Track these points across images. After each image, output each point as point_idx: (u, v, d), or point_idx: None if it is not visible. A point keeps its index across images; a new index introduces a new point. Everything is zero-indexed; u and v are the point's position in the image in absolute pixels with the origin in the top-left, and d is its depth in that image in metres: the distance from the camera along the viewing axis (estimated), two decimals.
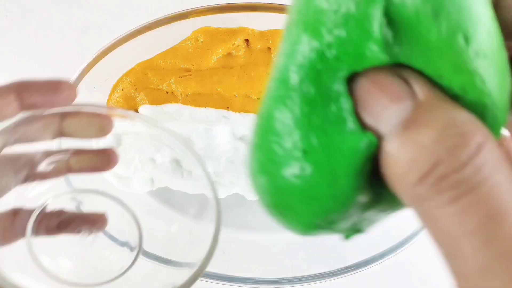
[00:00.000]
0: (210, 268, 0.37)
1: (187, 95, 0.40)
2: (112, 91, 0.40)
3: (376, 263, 0.36)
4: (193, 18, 0.38)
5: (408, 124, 0.10)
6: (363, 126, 0.11)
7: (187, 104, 0.40)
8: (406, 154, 0.10)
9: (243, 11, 0.38)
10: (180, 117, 0.39)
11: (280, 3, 0.37)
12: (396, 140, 0.10)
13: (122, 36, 0.37)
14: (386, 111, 0.10)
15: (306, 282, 0.36)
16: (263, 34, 0.40)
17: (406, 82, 0.10)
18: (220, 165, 0.39)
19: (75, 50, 0.44)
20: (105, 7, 0.45)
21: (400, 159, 0.10)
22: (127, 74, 0.40)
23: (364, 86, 0.11)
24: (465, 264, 0.10)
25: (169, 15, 0.37)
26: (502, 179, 0.10)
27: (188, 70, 0.40)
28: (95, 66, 0.37)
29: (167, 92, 0.40)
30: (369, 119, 0.11)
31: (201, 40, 0.40)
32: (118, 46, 0.37)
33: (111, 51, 0.37)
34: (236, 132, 0.39)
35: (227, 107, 0.39)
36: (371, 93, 0.10)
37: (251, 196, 0.39)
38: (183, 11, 0.37)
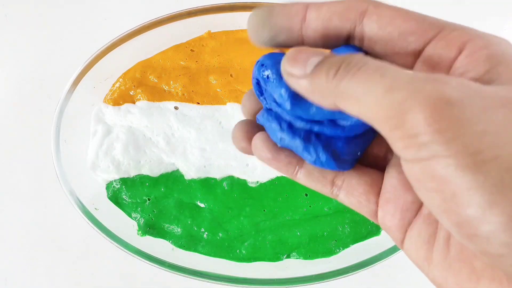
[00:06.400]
0: (210, 269, 0.37)
1: (184, 94, 0.40)
2: (111, 90, 0.40)
3: (376, 263, 0.36)
4: (193, 18, 0.38)
5: (320, 61, 0.16)
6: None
7: (184, 102, 0.40)
8: (322, 66, 0.16)
9: (243, 10, 0.37)
10: (177, 114, 0.39)
11: (280, 3, 0.37)
12: (315, 67, 0.16)
13: (122, 35, 0.37)
14: (309, 59, 0.16)
15: (306, 282, 0.36)
16: None
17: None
18: (215, 154, 0.39)
19: (75, 50, 0.44)
20: (105, 7, 0.45)
21: (321, 70, 0.16)
22: (126, 73, 0.40)
23: (295, 49, 0.17)
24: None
25: (169, 15, 0.37)
26: (375, 60, 0.15)
27: (187, 68, 0.40)
28: (95, 66, 0.37)
29: (165, 90, 0.40)
30: (296, 68, 0.17)
31: (203, 43, 0.40)
32: (118, 46, 0.37)
33: (111, 50, 0.37)
34: (229, 126, 0.39)
35: (225, 103, 0.40)
36: (299, 52, 0.17)
37: (243, 176, 0.39)
38: (183, 11, 0.37)
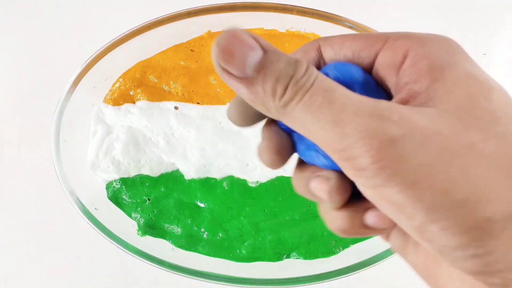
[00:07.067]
0: (210, 269, 0.37)
1: (184, 94, 0.40)
2: (111, 90, 0.40)
3: (376, 263, 0.36)
4: (193, 18, 0.38)
5: (263, 63, 0.15)
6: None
7: (184, 102, 0.40)
8: (267, 78, 0.15)
9: (243, 10, 0.37)
10: (177, 114, 0.39)
11: (280, 3, 0.37)
12: (260, 72, 0.15)
13: (122, 35, 0.37)
14: (248, 56, 0.15)
15: (306, 282, 0.36)
16: (262, 34, 0.40)
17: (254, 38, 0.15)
18: (215, 154, 0.39)
19: (75, 50, 0.44)
20: (105, 7, 0.45)
21: (265, 81, 0.15)
22: (126, 73, 0.40)
23: (226, 38, 0.15)
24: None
25: (169, 15, 0.37)
26: (323, 76, 0.15)
27: (187, 68, 0.40)
28: (95, 66, 0.37)
29: (165, 90, 0.40)
30: (233, 67, 0.15)
31: (203, 43, 0.40)
32: (118, 46, 0.37)
33: (111, 50, 0.37)
34: (229, 126, 0.39)
35: (225, 103, 0.40)
36: (235, 43, 0.15)
37: (243, 176, 0.39)
38: (183, 11, 0.37)
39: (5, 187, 0.44)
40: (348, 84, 0.17)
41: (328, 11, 0.37)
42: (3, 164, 0.44)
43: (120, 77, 0.40)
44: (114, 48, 0.37)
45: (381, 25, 0.39)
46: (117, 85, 0.40)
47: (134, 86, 0.40)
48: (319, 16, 0.37)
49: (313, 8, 0.37)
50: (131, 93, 0.40)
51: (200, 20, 0.38)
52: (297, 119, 0.15)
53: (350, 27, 0.37)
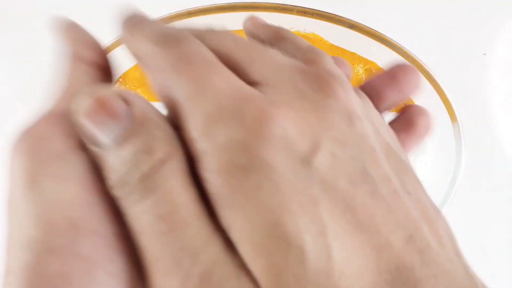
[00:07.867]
0: None
1: None
2: None
3: None
4: (193, 18, 0.38)
5: (119, 140, 0.12)
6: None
7: None
8: (109, 161, 0.12)
9: (243, 10, 0.37)
10: None
11: (280, 3, 0.37)
12: (111, 151, 0.12)
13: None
14: (105, 125, 0.12)
15: None
16: None
17: (127, 103, 0.12)
18: None
19: None
20: (104, 7, 0.45)
21: (106, 164, 0.12)
22: (126, 73, 0.40)
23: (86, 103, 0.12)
24: (145, 256, 0.11)
25: (169, 15, 0.37)
26: (175, 185, 0.11)
27: None
28: None
29: None
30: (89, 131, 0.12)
31: None
32: (118, 46, 0.37)
33: (111, 51, 0.37)
34: None
35: None
36: (94, 109, 0.12)
37: None
38: (183, 11, 0.37)
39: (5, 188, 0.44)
40: None
41: (328, 11, 0.37)
42: (3, 165, 0.44)
43: (120, 77, 0.40)
44: (114, 48, 0.37)
45: (381, 25, 0.39)
46: (117, 85, 0.40)
47: (134, 86, 0.40)
48: (319, 16, 0.37)
49: (313, 8, 0.37)
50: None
51: (200, 20, 0.38)
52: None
53: (350, 27, 0.37)
